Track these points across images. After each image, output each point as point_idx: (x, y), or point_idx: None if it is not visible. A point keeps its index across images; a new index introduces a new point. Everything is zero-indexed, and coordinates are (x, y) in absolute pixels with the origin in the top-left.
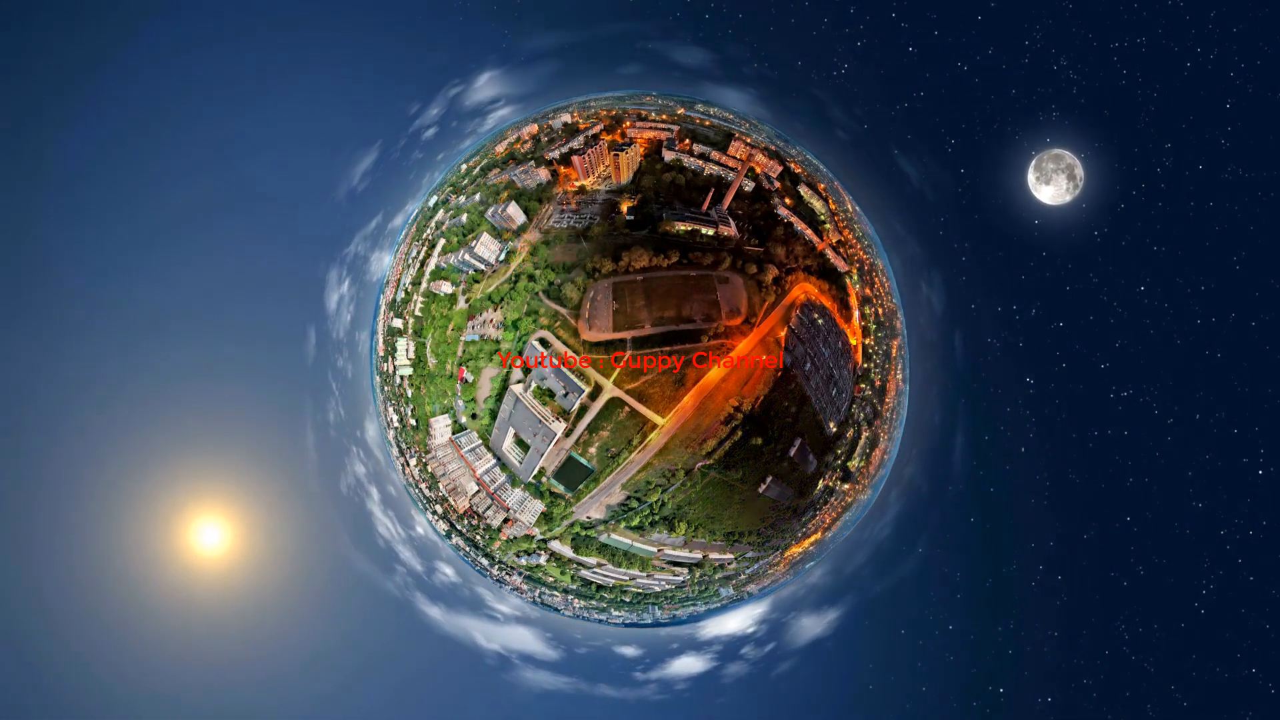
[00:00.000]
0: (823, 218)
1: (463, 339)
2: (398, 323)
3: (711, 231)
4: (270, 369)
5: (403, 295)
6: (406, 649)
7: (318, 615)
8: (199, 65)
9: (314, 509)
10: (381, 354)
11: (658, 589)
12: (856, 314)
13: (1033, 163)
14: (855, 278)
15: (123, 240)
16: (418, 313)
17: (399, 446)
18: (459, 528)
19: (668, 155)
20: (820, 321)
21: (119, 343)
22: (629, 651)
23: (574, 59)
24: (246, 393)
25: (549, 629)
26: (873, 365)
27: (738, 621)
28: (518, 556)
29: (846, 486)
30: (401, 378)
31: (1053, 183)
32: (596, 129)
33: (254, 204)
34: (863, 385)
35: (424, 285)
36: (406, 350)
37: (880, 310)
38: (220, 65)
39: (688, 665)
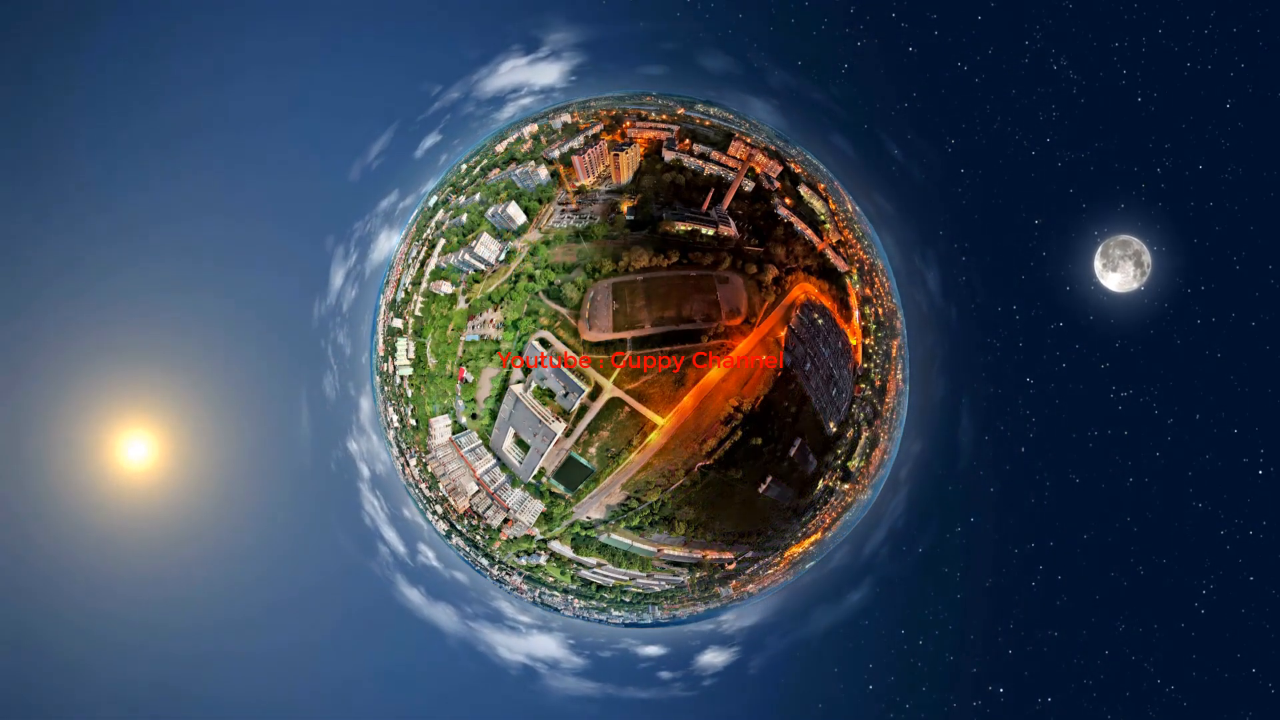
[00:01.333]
0: (823, 218)
1: (463, 339)
2: (398, 323)
3: (711, 231)
4: (262, 305)
5: (403, 295)
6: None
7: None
8: (229, 27)
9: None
10: (381, 354)
11: (658, 589)
12: (856, 314)
13: (1099, 249)
14: (855, 278)
15: (131, 148)
16: (418, 313)
17: (399, 446)
18: (459, 528)
19: (668, 155)
20: (820, 321)
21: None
22: (653, 651)
23: (601, 54)
24: (227, 324)
25: (571, 633)
26: (873, 365)
27: (759, 612)
28: (518, 557)
29: (846, 486)
30: (401, 378)
31: (1120, 269)
32: (596, 129)
33: (268, 170)
34: (863, 385)
35: (424, 285)
36: (406, 350)
37: (880, 310)
38: (242, 32)
39: (713, 660)
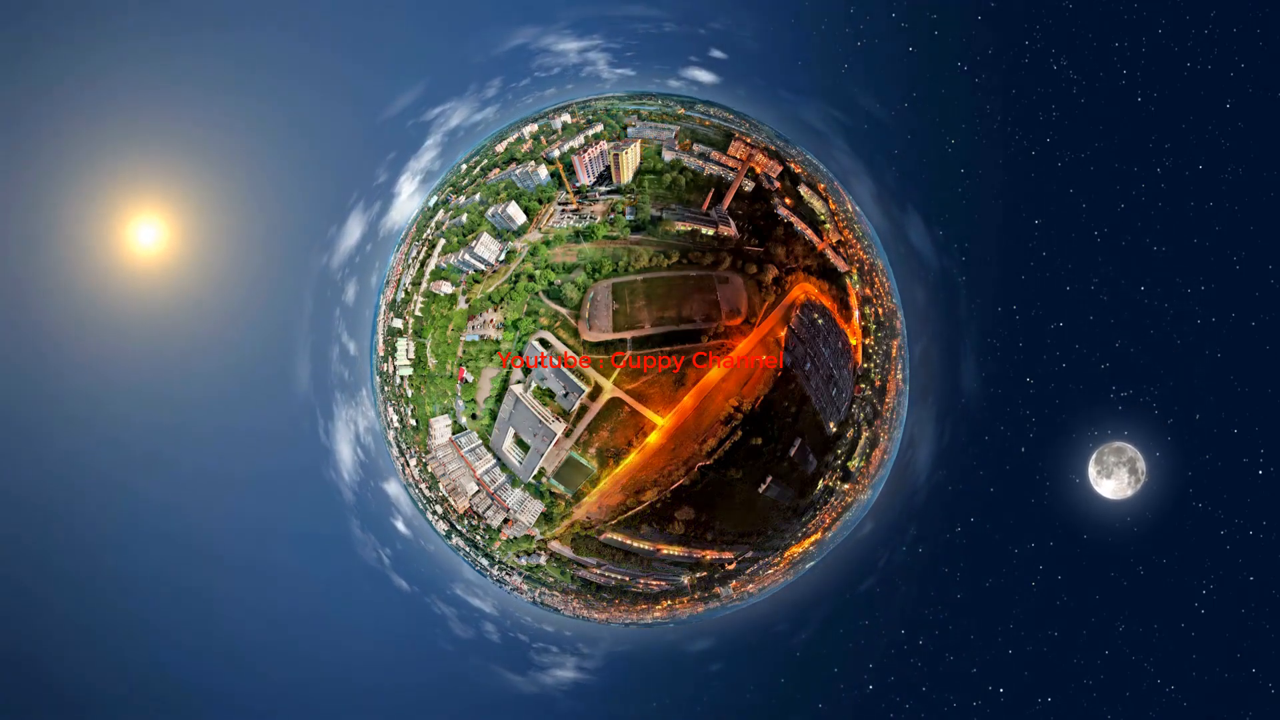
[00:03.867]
0: (823, 218)
1: (463, 339)
2: (398, 323)
3: (711, 231)
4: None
5: (403, 295)
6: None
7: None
8: None
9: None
10: (381, 354)
11: (658, 589)
12: (856, 314)
13: (1094, 456)
14: (855, 278)
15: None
16: (418, 313)
17: (399, 447)
18: (459, 528)
19: (668, 155)
20: (820, 321)
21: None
22: (700, 645)
23: (647, 50)
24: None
25: (622, 641)
26: (873, 365)
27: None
28: (518, 557)
29: (846, 486)
30: (401, 378)
31: (1114, 476)
32: (596, 129)
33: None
34: (863, 385)
35: (424, 285)
36: (406, 350)
37: (880, 310)
38: None
39: (755, 645)
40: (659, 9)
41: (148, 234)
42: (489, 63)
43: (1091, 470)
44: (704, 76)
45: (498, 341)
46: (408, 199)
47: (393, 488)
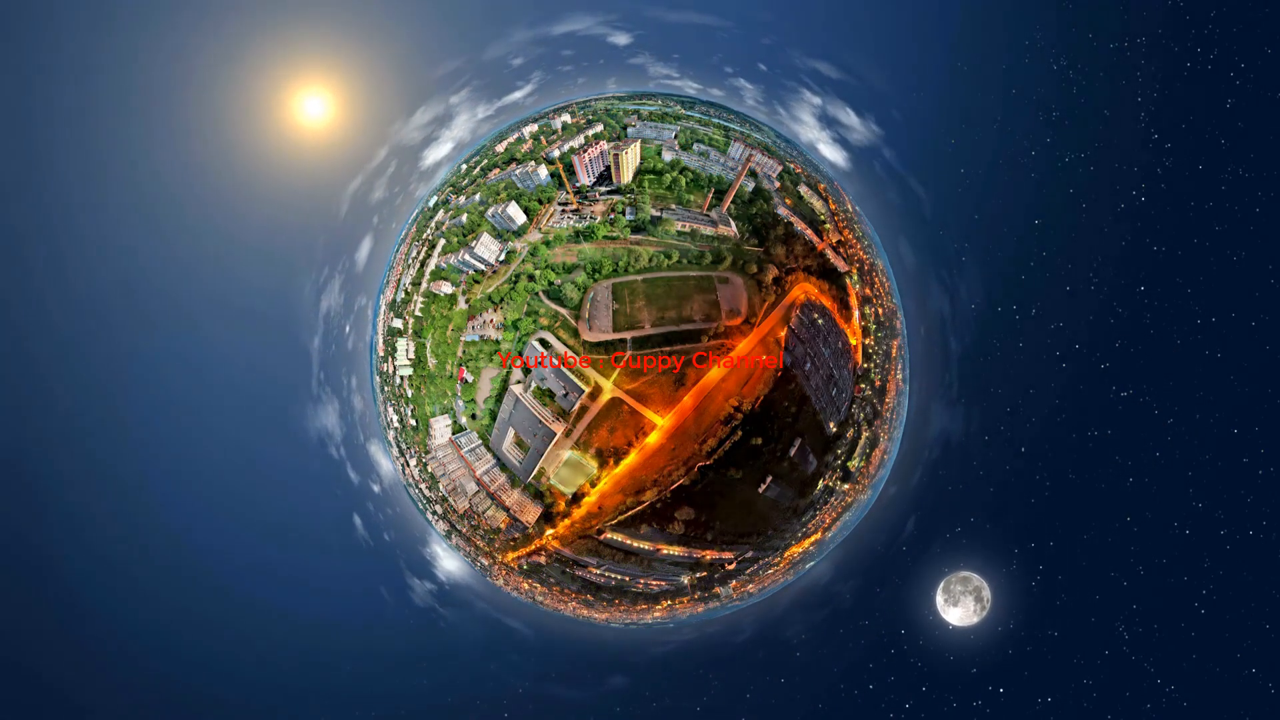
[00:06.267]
0: (823, 218)
1: (463, 339)
2: (398, 323)
3: (711, 231)
4: None
5: (403, 295)
6: None
7: None
8: None
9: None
10: (381, 354)
11: (658, 589)
12: (856, 314)
13: (941, 584)
14: (855, 278)
15: None
16: (418, 313)
17: (399, 447)
18: (459, 528)
19: (668, 155)
20: (820, 321)
21: None
22: (741, 638)
23: (694, 55)
24: None
25: (663, 640)
26: (873, 365)
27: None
28: (517, 557)
29: (846, 486)
30: (401, 378)
31: (960, 604)
32: (596, 129)
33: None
34: (863, 385)
35: (424, 285)
36: (406, 350)
37: (880, 310)
38: None
39: (754, 645)
40: (714, 16)
41: (315, 106)
42: (535, 42)
43: (940, 598)
44: (747, 88)
45: (498, 341)
46: (435, 165)
47: (374, 448)
